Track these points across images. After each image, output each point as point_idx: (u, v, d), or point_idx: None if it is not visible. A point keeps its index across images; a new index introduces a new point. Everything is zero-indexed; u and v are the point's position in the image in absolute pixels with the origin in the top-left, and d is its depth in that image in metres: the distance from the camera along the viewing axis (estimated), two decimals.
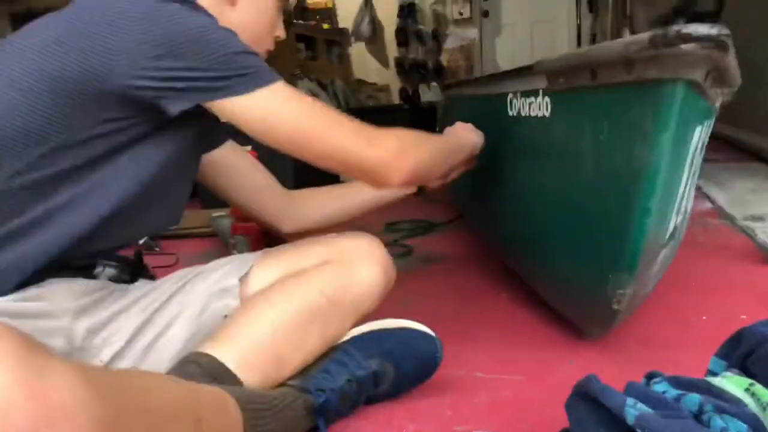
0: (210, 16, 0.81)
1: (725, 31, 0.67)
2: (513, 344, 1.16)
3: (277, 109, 0.80)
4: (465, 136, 1.20)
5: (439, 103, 3.88)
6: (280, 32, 0.97)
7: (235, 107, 0.79)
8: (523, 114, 1.20)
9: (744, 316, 1.22)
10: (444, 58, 5.58)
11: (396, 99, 5.74)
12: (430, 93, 5.52)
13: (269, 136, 0.82)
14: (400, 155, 0.89)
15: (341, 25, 5.75)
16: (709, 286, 1.40)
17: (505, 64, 5.65)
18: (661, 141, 0.80)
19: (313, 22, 5.44)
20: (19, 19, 2.78)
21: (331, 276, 0.95)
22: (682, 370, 1.02)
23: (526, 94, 1.17)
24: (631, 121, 0.84)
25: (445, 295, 1.49)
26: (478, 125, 1.21)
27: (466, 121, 1.24)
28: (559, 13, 5.37)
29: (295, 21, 5.13)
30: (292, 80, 4.21)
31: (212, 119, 0.95)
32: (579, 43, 5.26)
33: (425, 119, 3.82)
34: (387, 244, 1.01)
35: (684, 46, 0.70)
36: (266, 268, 1.01)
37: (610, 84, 0.87)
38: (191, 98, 0.77)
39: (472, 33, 5.56)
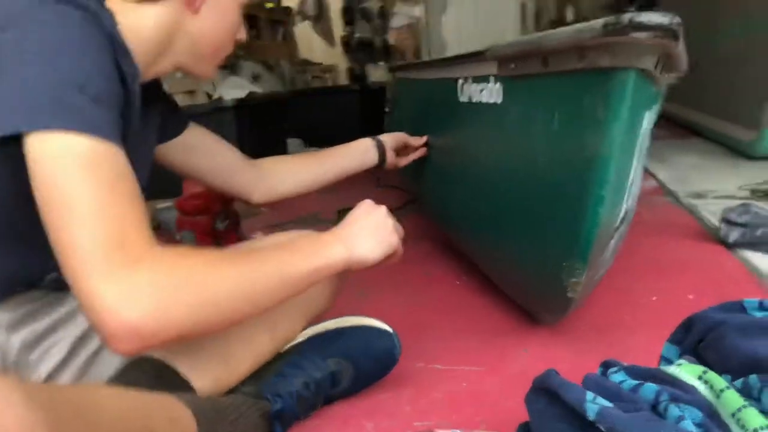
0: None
1: (677, 19, 0.67)
2: (469, 334, 1.16)
3: (51, 164, 0.58)
4: (358, 243, 0.83)
5: (388, 85, 3.84)
6: (242, 34, 0.90)
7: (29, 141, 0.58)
8: (474, 100, 1.19)
9: (691, 296, 1.25)
10: (391, 37, 5.52)
11: (343, 79, 5.66)
12: (378, 73, 5.47)
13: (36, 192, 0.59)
14: (138, 311, 0.56)
15: (285, 3, 5.62)
16: (657, 265, 1.43)
17: (451, 43, 5.64)
18: (613, 129, 0.80)
19: (256, 0, 5.30)
20: None
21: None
22: (636, 353, 1.04)
23: (478, 79, 1.16)
24: (583, 109, 0.83)
25: (401, 284, 1.47)
26: (427, 110, 1.20)
27: (414, 105, 1.22)
28: None
29: None
30: (234, 60, 4.10)
31: (168, 109, 0.95)
32: (524, 22, 5.28)
33: (375, 100, 3.78)
34: None
35: (637, 35, 0.69)
36: None
37: (561, 71, 0.86)
38: None
39: (418, 11, 5.50)
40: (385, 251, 0.85)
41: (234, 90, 3.08)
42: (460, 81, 1.25)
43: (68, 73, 0.60)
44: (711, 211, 1.70)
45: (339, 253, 0.78)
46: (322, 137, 2.69)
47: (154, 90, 0.90)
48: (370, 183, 2.78)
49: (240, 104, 2.45)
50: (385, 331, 0.94)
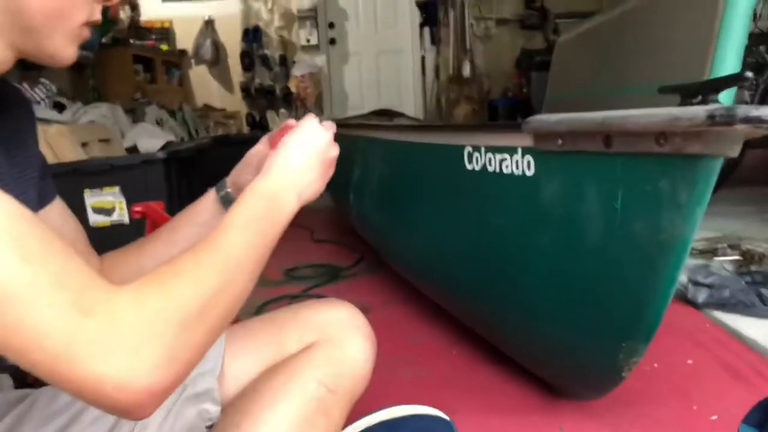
0: None
1: None
2: (497, 413, 1.11)
3: None
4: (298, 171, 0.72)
5: None
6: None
7: None
8: (490, 170, 1.16)
9: (690, 361, 1.29)
10: (292, 84, 5.47)
11: (242, 125, 5.51)
12: (278, 120, 5.38)
13: None
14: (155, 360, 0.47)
15: (180, 46, 5.41)
16: None
17: (353, 92, 5.71)
18: (696, 213, 0.80)
19: (150, 43, 5.05)
20: None
21: (324, 361, 0.84)
22: (664, 423, 1.05)
23: (497, 150, 1.13)
24: (659, 193, 0.83)
25: (391, 354, 1.40)
26: (413, 174, 1.13)
27: (388, 167, 1.14)
28: (404, 44, 5.54)
29: (131, 41, 4.72)
30: (136, 105, 3.85)
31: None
32: (423, 74, 5.47)
33: None
34: (297, 296, 0.90)
35: (742, 127, 0.70)
36: (241, 357, 0.87)
37: (631, 153, 0.85)
38: None
39: (319, 60, 5.52)
40: (327, 180, 0.76)
41: (148, 139, 2.86)
42: (468, 149, 1.23)
43: None
44: None
45: (293, 203, 0.69)
46: None
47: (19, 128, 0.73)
48: (304, 238, 2.69)
49: (169, 156, 2.27)
50: (443, 419, 0.88)
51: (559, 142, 0.97)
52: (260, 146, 0.86)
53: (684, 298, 1.59)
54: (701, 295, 1.54)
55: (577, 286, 0.98)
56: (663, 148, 0.80)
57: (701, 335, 1.41)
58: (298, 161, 0.71)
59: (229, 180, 0.88)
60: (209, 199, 0.88)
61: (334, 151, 0.75)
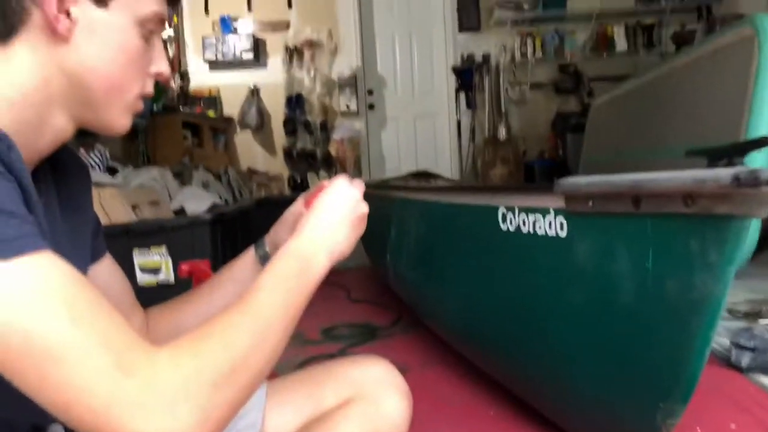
0: None
1: None
2: None
3: None
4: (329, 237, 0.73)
5: None
6: (160, 67, 0.71)
7: None
8: (524, 230, 1.19)
9: (733, 425, 1.26)
10: (332, 148, 5.63)
11: (285, 187, 5.66)
12: (319, 181, 5.52)
13: None
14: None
15: (227, 112, 5.66)
16: None
17: (390, 155, 5.85)
18: (728, 273, 0.81)
19: (198, 109, 5.30)
20: None
21: (361, 418, 0.86)
22: None
23: (530, 210, 1.17)
24: (690, 253, 0.84)
25: (428, 414, 1.40)
26: (448, 235, 1.15)
27: (425, 228, 1.17)
28: (440, 108, 5.68)
29: (180, 108, 4.96)
30: (184, 169, 4.02)
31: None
32: (459, 136, 5.57)
33: None
34: (334, 356, 0.91)
35: (766, 189, 0.72)
36: (281, 411, 0.91)
37: (659, 213, 0.88)
38: None
39: (358, 124, 5.69)
40: (358, 237, 0.77)
41: (194, 201, 2.98)
42: (502, 210, 1.26)
43: None
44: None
45: (324, 262, 0.71)
46: None
47: (77, 193, 0.78)
48: (341, 298, 2.72)
49: (215, 218, 2.36)
50: None
51: (590, 203, 1.00)
52: (296, 206, 0.89)
53: (727, 362, 1.55)
54: (745, 359, 1.50)
55: (612, 346, 0.99)
56: (691, 209, 0.83)
57: (745, 399, 1.37)
58: (328, 221, 0.74)
59: (268, 239, 0.92)
60: (248, 257, 0.92)
61: (364, 207, 0.77)
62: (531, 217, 1.17)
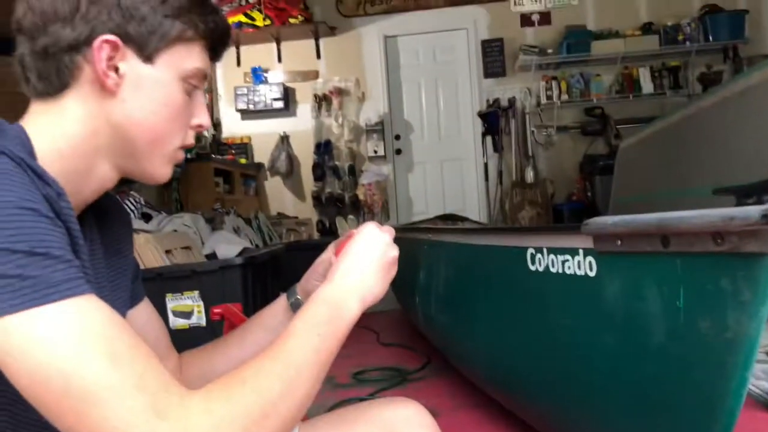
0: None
1: None
2: None
3: (35, 345, 0.49)
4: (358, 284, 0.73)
5: None
6: (201, 120, 0.74)
7: None
8: (553, 271, 1.20)
9: None
10: (360, 192, 5.70)
11: (313, 232, 5.72)
12: (347, 225, 5.56)
13: (26, 388, 0.51)
14: None
15: (257, 159, 5.79)
16: None
17: (417, 198, 5.89)
18: (761, 312, 0.80)
19: (230, 157, 5.43)
20: None
21: None
22: None
23: (558, 251, 1.17)
24: (722, 291, 0.84)
25: None
26: (477, 276, 1.17)
27: (453, 269, 1.18)
28: (467, 152, 5.73)
29: (213, 156, 5.10)
30: (215, 214, 4.10)
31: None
32: (487, 179, 5.59)
33: None
34: (364, 399, 0.92)
35: None
36: None
37: (688, 252, 0.88)
38: None
39: (386, 169, 5.76)
40: (390, 281, 0.77)
41: (226, 245, 3.04)
42: (531, 251, 1.27)
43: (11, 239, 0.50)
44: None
45: (355, 308, 0.70)
46: None
47: (118, 233, 0.81)
48: (372, 341, 2.72)
49: (245, 262, 2.40)
50: None
51: (619, 243, 1.01)
52: (326, 254, 0.90)
53: (766, 405, 1.51)
54: None
55: (645, 388, 0.98)
56: (721, 247, 0.83)
57: None
58: (359, 267, 0.73)
59: (299, 287, 0.93)
60: (280, 304, 0.93)
61: (394, 251, 0.77)
62: (560, 258, 1.18)
